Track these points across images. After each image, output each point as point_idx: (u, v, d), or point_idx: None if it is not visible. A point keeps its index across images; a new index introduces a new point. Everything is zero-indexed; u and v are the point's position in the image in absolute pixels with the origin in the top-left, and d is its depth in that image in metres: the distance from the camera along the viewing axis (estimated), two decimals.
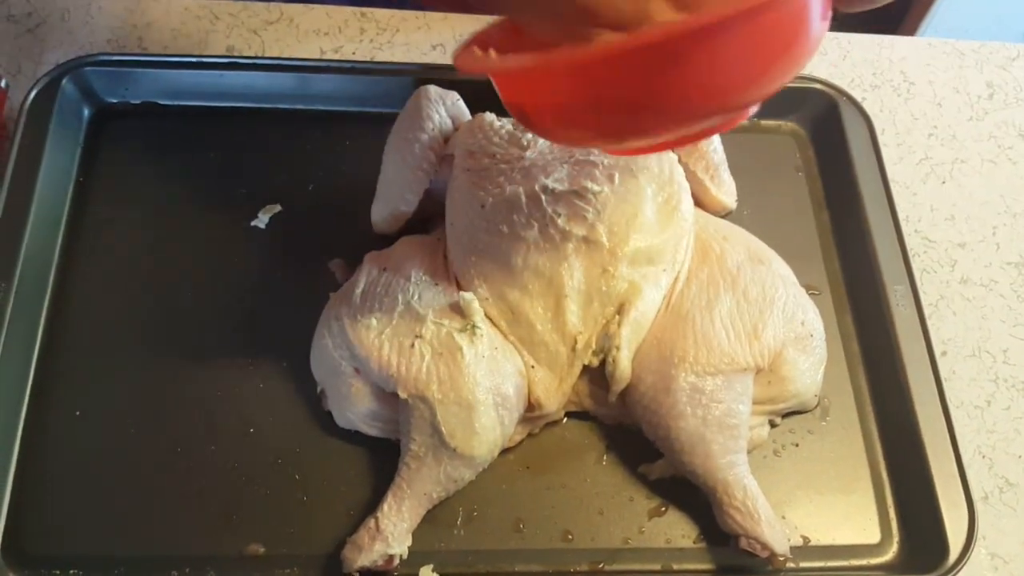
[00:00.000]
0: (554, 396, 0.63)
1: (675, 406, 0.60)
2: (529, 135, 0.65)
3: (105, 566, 0.59)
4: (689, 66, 0.41)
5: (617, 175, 0.62)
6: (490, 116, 0.67)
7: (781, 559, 0.60)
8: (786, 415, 0.67)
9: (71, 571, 0.58)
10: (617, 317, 0.62)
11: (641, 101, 0.43)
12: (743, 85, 0.43)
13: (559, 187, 0.62)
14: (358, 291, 0.63)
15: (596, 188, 0.62)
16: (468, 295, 0.61)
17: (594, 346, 0.62)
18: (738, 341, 0.62)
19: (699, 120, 0.46)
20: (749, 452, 0.63)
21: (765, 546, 0.59)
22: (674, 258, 0.64)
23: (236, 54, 0.81)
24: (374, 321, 0.61)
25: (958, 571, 0.60)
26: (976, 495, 0.64)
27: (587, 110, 0.45)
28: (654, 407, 0.61)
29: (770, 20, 0.41)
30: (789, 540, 0.61)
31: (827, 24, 0.44)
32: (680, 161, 0.68)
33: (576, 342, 0.62)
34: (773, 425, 0.66)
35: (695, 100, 0.43)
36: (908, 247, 0.73)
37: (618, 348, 0.62)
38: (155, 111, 0.76)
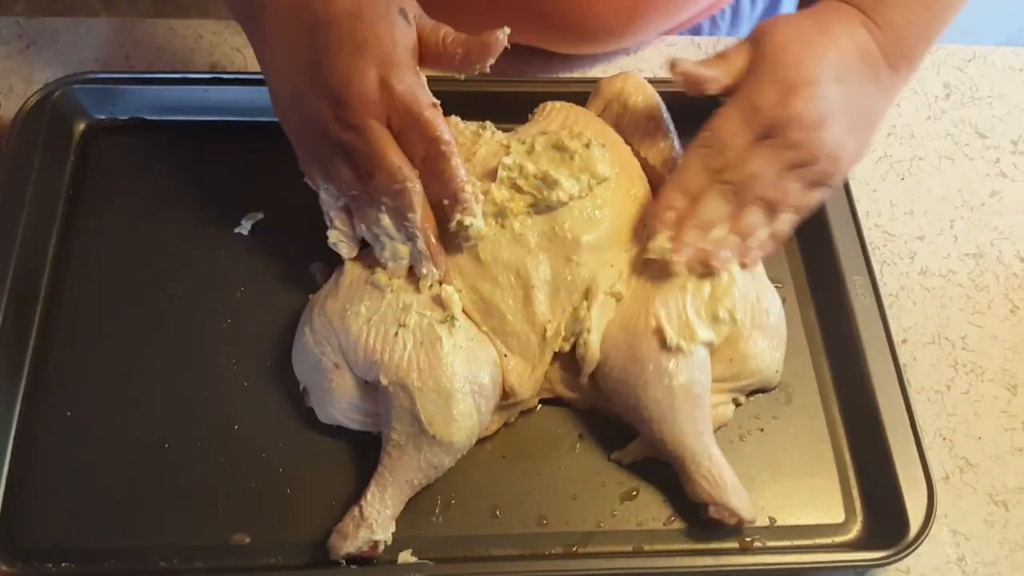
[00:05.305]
0: (527, 383, 0.65)
1: (641, 377, 0.63)
2: (489, 133, 0.68)
3: (96, 558, 0.61)
4: None
5: (577, 171, 0.65)
6: (455, 119, 0.70)
7: (749, 535, 0.62)
8: (751, 396, 0.69)
9: (63, 563, 0.60)
10: (584, 302, 0.65)
11: None
12: None
13: (521, 183, 0.64)
14: (345, 284, 0.66)
15: (556, 183, 0.64)
16: (449, 288, 0.64)
17: (563, 333, 0.65)
18: (698, 318, 0.64)
19: None
20: (715, 432, 0.66)
21: (733, 512, 0.61)
22: (633, 239, 0.67)
23: (219, 70, 0.84)
24: (363, 309, 0.64)
25: (918, 546, 0.62)
26: (937, 475, 0.66)
27: None
28: (623, 379, 0.64)
29: None
30: (762, 509, 0.63)
31: None
32: (639, 155, 0.72)
33: (546, 330, 0.65)
34: (737, 404, 0.69)
35: None
36: (868, 241, 0.75)
37: (588, 331, 0.65)
38: (142, 126, 0.79)
